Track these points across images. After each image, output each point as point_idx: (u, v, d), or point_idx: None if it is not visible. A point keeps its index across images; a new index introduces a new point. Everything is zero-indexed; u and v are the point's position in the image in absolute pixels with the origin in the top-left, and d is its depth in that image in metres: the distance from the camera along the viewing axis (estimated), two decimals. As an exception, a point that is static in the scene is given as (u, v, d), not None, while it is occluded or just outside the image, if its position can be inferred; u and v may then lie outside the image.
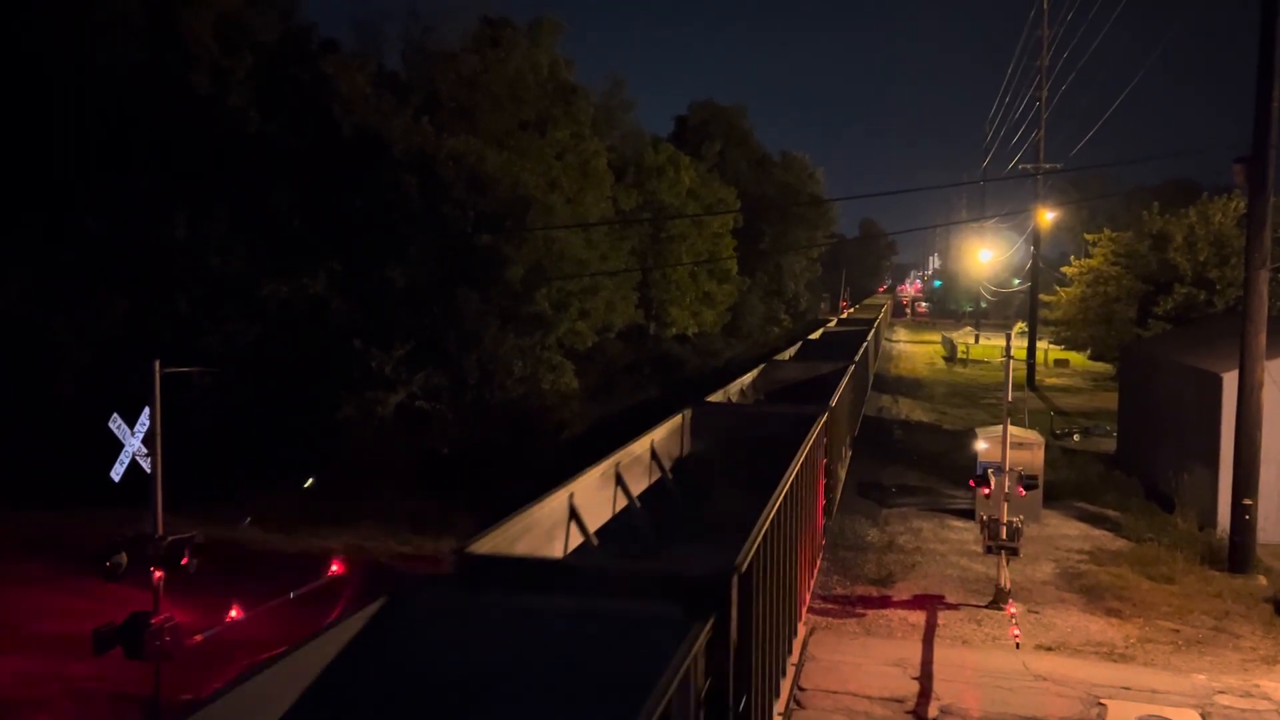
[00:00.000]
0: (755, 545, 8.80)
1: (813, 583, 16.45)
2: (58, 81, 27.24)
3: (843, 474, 22.49)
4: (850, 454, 25.55)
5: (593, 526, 11.12)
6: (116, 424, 11.79)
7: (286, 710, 6.28)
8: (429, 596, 7.77)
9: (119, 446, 11.83)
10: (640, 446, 14.32)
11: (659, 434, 15.46)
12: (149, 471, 10.90)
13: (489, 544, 8.55)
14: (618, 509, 12.73)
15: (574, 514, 10.72)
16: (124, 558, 10.14)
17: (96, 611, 13.15)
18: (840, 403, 20.54)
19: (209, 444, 23.10)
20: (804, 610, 14.82)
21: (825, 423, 16.61)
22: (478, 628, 7.37)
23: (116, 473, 11.82)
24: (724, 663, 7.44)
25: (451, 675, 7.11)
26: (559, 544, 10.38)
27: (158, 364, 10.60)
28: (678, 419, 16.84)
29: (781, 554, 10.61)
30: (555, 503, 10.36)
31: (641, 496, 13.70)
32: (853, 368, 25.88)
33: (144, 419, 11.49)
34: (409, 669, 7.17)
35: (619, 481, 12.94)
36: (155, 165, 27.50)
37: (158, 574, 10.21)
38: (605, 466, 12.45)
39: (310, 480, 22.58)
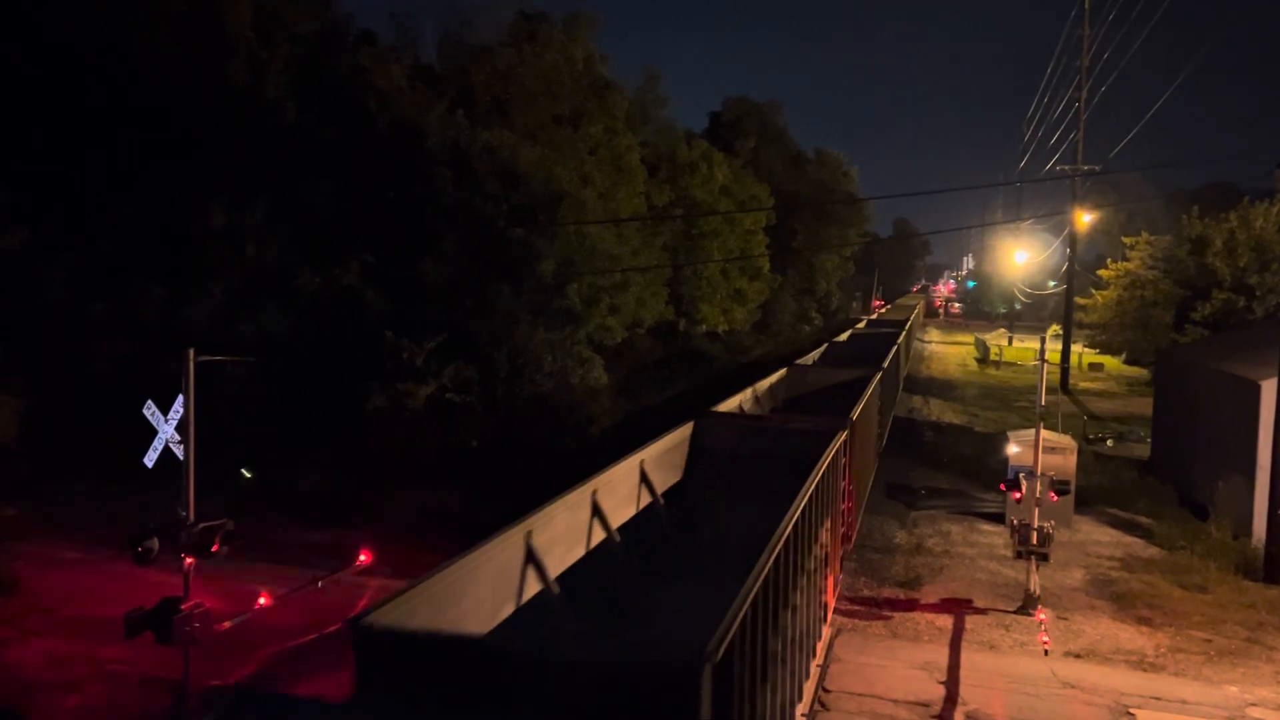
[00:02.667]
0: (858, 411, 17.79)
1: (838, 588, 16.57)
2: (97, 73, 27.58)
3: (888, 421, 29.65)
4: (893, 412, 32.64)
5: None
6: (151, 411, 11.90)
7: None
8: (707, 421, 16.38)
9: (154, 433, 11.94)
10: (762, 386, 22.98)
11: (771, 379, 24.41)
12: (181, 459, 10.99)
13: (722, 407, 18.25)
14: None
15: (743, 412, 19.47)
16: (155, 543, 10.23)
17: (130, 595, 13.31)
18: (889, 366, 28.83)
19: (243, 432, 23.33)
20: (830, 612, 14.80)
21: (880, 378, 24.61)
22: (735, 434, 16.09)
23: (150, 459, 11.93)
24: (848, 453, 15.82)
25: (734, 451, 15.68)
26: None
27: (192, 352, 10.68)
28: (781, 372, 25.84)
29: (866, 422, 19.95)
30: (734, 400, 19.74)
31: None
32: (895, 348, 33.11)
33: (178, 406, 11.59)
34: (712, 450, 15.80)
35: (758, 401, 21.97)
36: (193, 156, 27.80)
37: (188, 560, 10.30)
38: (748, 392, 21.35)
39: (247, 473, 22.15)
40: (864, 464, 20.23)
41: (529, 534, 9.36)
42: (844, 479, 15.48)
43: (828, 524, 13.35)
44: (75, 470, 23.39)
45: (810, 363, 30.79)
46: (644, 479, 13.29)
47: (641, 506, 13.15)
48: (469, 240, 30.24)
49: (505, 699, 6.34)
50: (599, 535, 11.42)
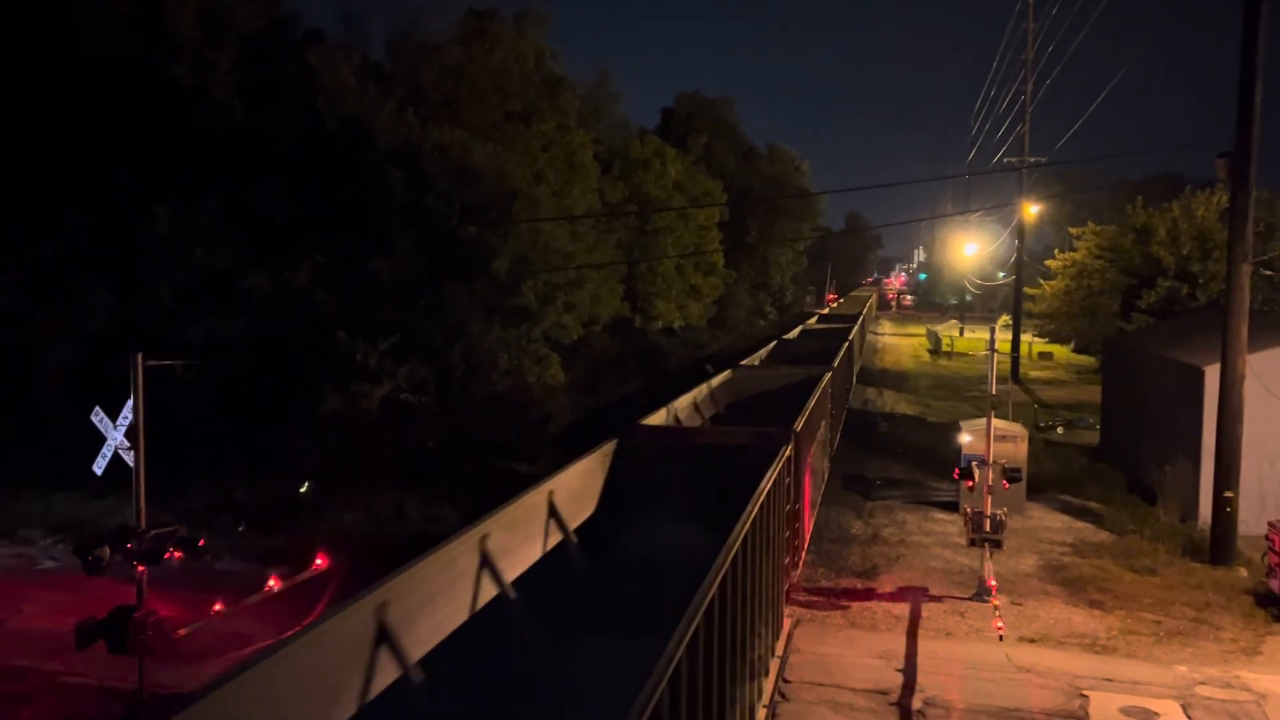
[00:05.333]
0: (837, 360, 28.43)
1: (798, 574, 16.72)
2: (40, 74, 27.03)
3: (843, 416, 32.93)
4: (847, 404, 36.23)
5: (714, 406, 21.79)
6: (99, 417, 11.73)
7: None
8: (740, 370, 24.48)
9: (102, 440, 11.76)
10: (763, 353, 31.66)
11: (770, 347, 33.53)
12: (131, 465, 10.83)
13: (744, 363, 27.42)
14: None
15: (712, 397, 21.66)
16: (106, 551, 10.08)
17: (80, 605, 13.09)
18: (847, 350, 34.49)
19: (194, 437, 23.02)
20: (788, 602, 14.92)
21: (847, 346, 34.17)
22: (759, 376, 23.96)
23: (99, 466, 11.76)
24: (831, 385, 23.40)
25: (760, 386, 23.47)
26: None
27: (140, 357, 10.53)
28: (772, 344, 34.61)
29: (840, 370, 28.68)
30: (750, 359, 29.17)
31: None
32: (847, 344, 36.66)
33: (126, 412, 11.42)
34: (746, 386, 23.45)
35: (762, 361, 30.09)
36: (139, 157, 27.32)
37: (140, 568, 10.16)
38: (753, 358, 29.75)
39: (307, 485, 22.73)
40: (837, 395, 28.10)
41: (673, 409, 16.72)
42: (829, 404, 23.07)
43: (822, 428, 20.92)
44: (23, 479, 22.95)
45: (794, 336, 40.84)
46: (711, 396, 21.15)
47: (710, 415, 20.43)
48: (422, 239, 30.02)
49: None
50: (700, 422, 18.62)
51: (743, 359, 28.94)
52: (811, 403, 17.84)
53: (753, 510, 9.86)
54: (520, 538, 9.97)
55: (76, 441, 13.83)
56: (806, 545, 18.57)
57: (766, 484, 11.07)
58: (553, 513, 10.84)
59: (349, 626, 6.82)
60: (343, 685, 6.81)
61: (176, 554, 10.19)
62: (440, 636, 8.18)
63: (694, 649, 7.06)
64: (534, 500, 10.40)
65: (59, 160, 26.85)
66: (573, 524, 11.38)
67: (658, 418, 16.08)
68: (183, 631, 10.28)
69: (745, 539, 9.25)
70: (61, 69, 27.15)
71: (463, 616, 8.61)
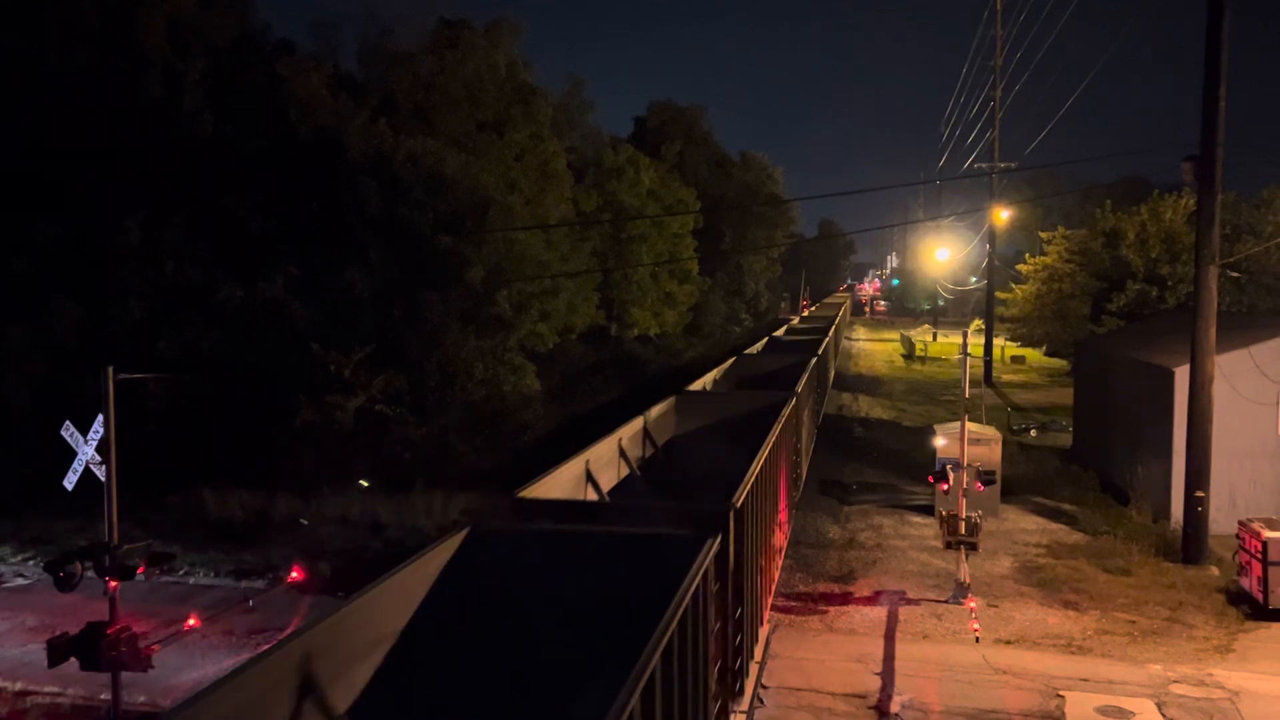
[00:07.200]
0: (821, 348, 35.26)
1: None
2: (9, 86, 26.79)
3: (824, 397, 37.65)
4: (823, 410, 38.92)
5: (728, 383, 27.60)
6: (69, 432, 11.61)
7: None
8: (745, 357, 33.50)
9: (73, 455, 11.64)
10: (758, 346, 38.79)
11: (763, 341, 40.86)
12: (103, 480, 10.72)
13: (748, 353, 35.93)
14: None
15: (725, 376, 27.53)
16: (78, 567, 9.98)
17: (50, 624, 12.94)
18: (823, 350, 36.79)
19: (167, 451, 22.82)
20: (768, 607, 14.97)
21: (831, 333, 43.67)
22: (765, 358, 32.93)
23: (70, 482, 11.63)
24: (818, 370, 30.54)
25: (767, 366, 30.42)
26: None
27: (111, 371, 10.43)
28: (764, 340, 41.50)
29: (825, 354, 37.06)
30: (753, 349, 37.77)
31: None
32: (826, 340, 40.59)
33: (97, 426, 11.31)
34: (753, 366, 30.60)
35: (763, 350, 37.31)
36: (109, 169, 27.11)
37: (112, 583, 10.06)
38: (752, 351, 36.26)
39: (365, 483, 24.32)
40: (820, 378, 33.06)
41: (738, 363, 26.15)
42: (815, 381, 28.29)
43: (811, 399, 25.81)
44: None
45: (781, 334, 47.41)
46: (726, 377, 27.27)
47: (724, 388, 25.69)
48: (396, 249, 29.92)
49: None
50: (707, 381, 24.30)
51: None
52: (805, 374, 24.55)
53: (772, 436, 14.83)
54: (636, 442, 16.58)
55: (46, 456, 13.68)
56: (803, 479, 23.69)
57: (781, 419, 16.72)
58: (647, 434, 17.36)
59: (570, 473, 12.10)
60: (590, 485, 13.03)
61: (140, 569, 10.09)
62: (610, 486, 13.77)
63: (747, 503, 11.29)
64: (638, 423, 16.94)
65: (28, 172, 26.61)
66: (660, 440, 18.06)
67: (695, 386, 22.94)
68: (156, 647, 10.18)
69: (768, 453, 13.87)
70: (30, 79, 26.90)
71: (615, 480, 14.23)
